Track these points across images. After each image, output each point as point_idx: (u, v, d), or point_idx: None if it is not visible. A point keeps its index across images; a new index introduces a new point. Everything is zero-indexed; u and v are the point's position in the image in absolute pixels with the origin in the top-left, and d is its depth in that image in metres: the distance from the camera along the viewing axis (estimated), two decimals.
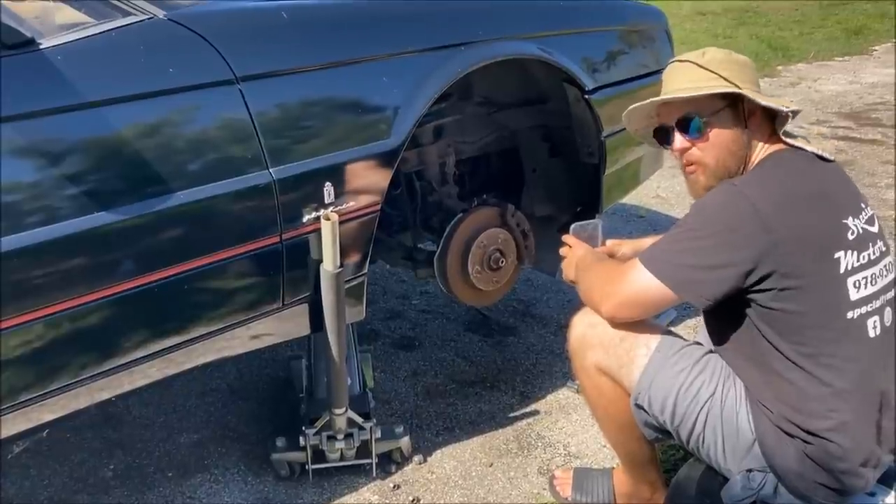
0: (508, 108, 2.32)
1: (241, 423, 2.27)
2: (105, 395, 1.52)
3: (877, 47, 9.28)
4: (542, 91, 2.27)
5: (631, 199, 3.73)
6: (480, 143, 2.35)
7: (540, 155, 2.40)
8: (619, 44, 2.36)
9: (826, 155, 1.55)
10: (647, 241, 1.87)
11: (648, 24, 2.52)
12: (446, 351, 2.66)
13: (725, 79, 1.55)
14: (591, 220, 1.88)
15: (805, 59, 8.43)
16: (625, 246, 1.89)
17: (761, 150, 1.58)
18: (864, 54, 8.84)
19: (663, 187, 4.23)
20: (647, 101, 1.65)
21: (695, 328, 2.62)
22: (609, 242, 1.88)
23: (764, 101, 1.54)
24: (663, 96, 1.61)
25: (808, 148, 1.56)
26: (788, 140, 1.57)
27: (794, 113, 1.55)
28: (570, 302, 1.79)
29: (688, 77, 1.59)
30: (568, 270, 1.80)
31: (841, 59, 8.54)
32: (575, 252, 1.79)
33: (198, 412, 2.32)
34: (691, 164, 1.60)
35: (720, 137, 1.56)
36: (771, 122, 1.59)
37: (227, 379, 2.47)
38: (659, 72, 2.49)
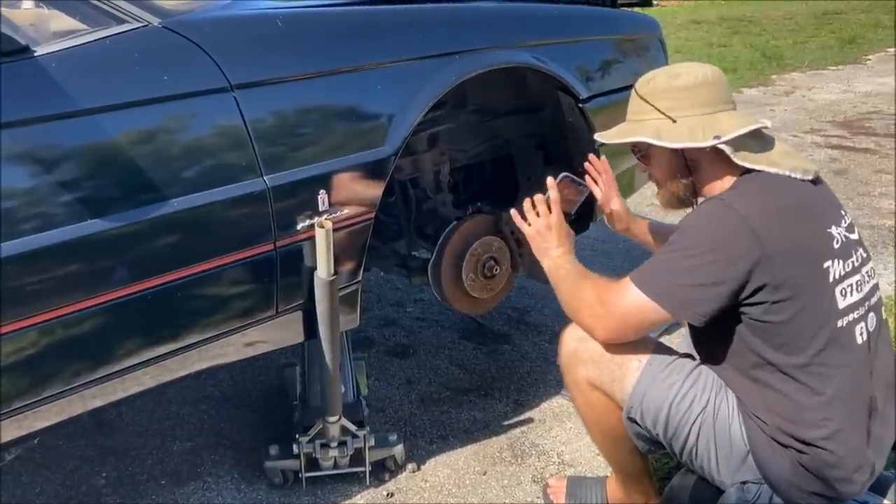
0: (503, 117, 2.33)
1: (234, 431, 2.26)
2: (98, 403, 1.51)
3: (870, 56, 9.35)
4: (537, 99, 2.27)
5: None
6: (474, 151, 2.36)
7: (534, 163, 2.40)
8: (613, 53, 2.37)
9: (796, 175, 1.50)
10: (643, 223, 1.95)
11: (643, 33, 2.53)
12: (441, 359, 2.66)
13: (660, 111, 1.55)
14: (582, 181, 1.89)
15: (799, 67, 8.50)
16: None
17: (730, 171, 1.54)
18: (857, 63, 8.90)
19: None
20: (599, 133, 1.71)
21: (686, 335, 2.62)
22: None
23: (670, 144, 1.52)
24: (599, 133, 1.70)
25: (772, 170, 1.50)
26: (746, 164, 1.50)
27: (767, 126, 1.55)
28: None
29: (631, 107, 1.64)
30: (533, 221, 1.70)
31: (835, 67, 8.60)
32: (552, 219, 1.68)
33: (191, 420, 2.31)
34: (653, 181, 1.69)
35: (659, 167, 1.62)
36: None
37: (221, 387, 2.47)
38: None
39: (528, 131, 2.35)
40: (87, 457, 2.15)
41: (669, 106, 1.55)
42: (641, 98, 1.59)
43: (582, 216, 2.45)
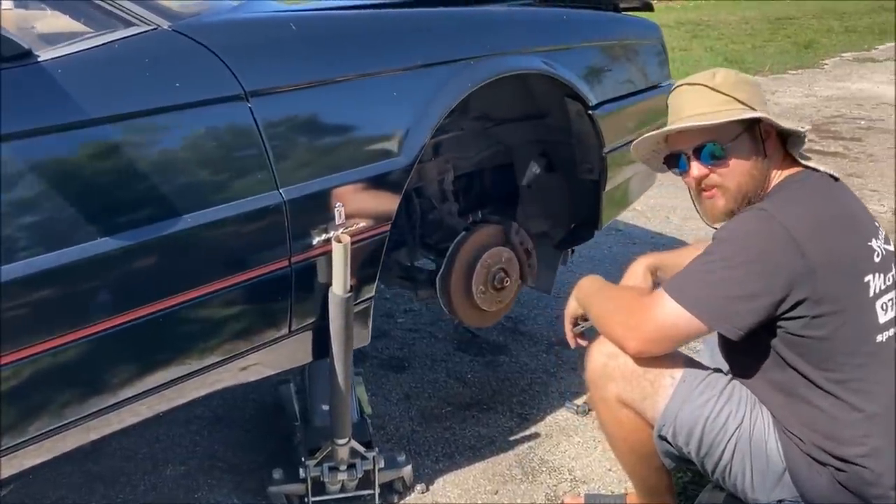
0: (505, 123, 2.27)
1: (229, 453, 2.15)
2: (94, 436, 1.40)
3: (827, 61, 9.56)
4: (541, 106, 2.21)
5: None
6: (477, 158, 2.29)
7: (535, 170, 2.34)
8: (619, 58, 2.32)
9: (835, 174, 1.54)
10: None
11: (645, 38, 2.49)
12: (438, 372, 2.58)
13: (741, 101, 1.51)
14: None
15: (760, 72, 8.63)
16: None
17: (777, 173, 1.55)
18: (815, 68, 9.09)
19: (640, 201, 4.21)
20: (664, 129, 1.58)
21: (702, 348, 2.59)
22: None
23: (785, 124, 1.51)
24: (682, 124, 1.53)
25: (822, 168, 1.54)
26: (803, 161, 1.54)
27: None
28: (559, 318, 1.73)
29: (702, 102, 1.53)
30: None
31: (794, 72, 8.77)
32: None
33: (183, 441, 2.19)
34: (710, 189, 1.55)
35: (740, 163, 1.51)
36: (783, 143, 1.56)
37: (212, 405, 2.35)
38: (657, 87, 2.49)
39: (532, 138, 2.29)
40: (73, 484, 2.02)
41: (747, 98, 1.51)
42: (714, 90, 1.52)
43: (583, 224, 2.41)
